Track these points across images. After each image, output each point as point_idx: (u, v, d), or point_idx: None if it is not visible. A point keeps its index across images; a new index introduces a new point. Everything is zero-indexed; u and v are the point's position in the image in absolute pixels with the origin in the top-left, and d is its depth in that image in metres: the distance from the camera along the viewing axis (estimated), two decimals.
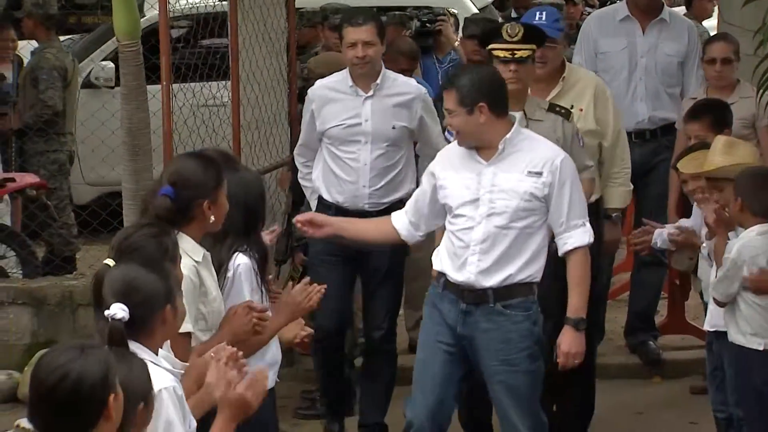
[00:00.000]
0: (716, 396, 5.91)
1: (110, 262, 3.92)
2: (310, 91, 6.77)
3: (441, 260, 5.55)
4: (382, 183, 6.57)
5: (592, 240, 5.58)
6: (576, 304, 5.54)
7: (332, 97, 6.62)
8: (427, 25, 8.48)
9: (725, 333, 5.63)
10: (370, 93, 6.59)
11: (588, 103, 6.44)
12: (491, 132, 5.44)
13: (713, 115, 6.43)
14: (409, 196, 6.40)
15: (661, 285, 8.01)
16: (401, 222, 5.63)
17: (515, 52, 5.87)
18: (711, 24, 9.73)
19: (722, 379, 5.82)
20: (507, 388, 5.49)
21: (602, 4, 10.99)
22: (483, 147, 5.47)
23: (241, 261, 4.83)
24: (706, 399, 6.23)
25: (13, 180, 8.58)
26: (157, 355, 3.82)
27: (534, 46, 5.94)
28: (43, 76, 9.07)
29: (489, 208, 5.43)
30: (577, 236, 5.53)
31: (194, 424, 3.89)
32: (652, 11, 7.71)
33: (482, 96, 5.40)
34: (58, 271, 8.76)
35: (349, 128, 6.55)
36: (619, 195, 6.63)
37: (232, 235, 4.83)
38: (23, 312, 7.81)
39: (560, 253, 5.54)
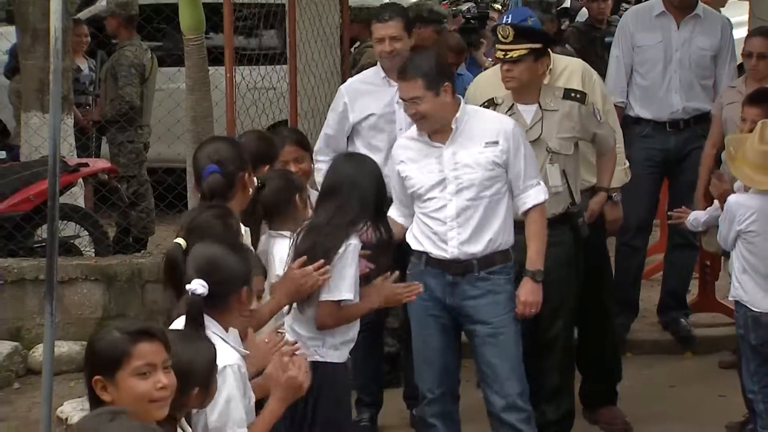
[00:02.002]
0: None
1: (180, 241, 4.08)
2: (342, 86, 6.86)
3: (419, 241, 5.66)
4: None
5: (547, 197, 5.69)
6: (533, 256, 5.66)
7: (365, 89, 6.68)
8: (471, 21, 8.71)
9: None
10: None
11: (578, 87, 6.40)
12: (451, 111, 5.55)
13: None
14: None
15: (693, 266, 8.10)
16: (402, 217, 5.73)
17: (508, 52, 5.93)
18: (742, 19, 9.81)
19: None
20: (498, 349, 5.61)
21: (638, 0, 11.04)
22: (437, 131, 5.57)
23: (354, 242, 5.01)
24: (735, 373, 6.40)
25: (86, 165, 8.77)
26: (227, 332, 3.89)
27: (530, 45, 5.92)
28: (122, 73, 9.34)
29: (457, 185, 5.55)
30: (534, 195, 5.64)
31: (253, 399, 3.97)
32: (687, 7, 7.76)
33: (445, 76, 5.54)
34: (128, 249, 8.97)
35: (384, 116, 6.61)
36: (616, 174, 6.57)
37: (353, 218, 4.96)
38: (95, 288, 8.01)
39: (519, 212, 5.65)
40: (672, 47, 7.80)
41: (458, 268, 5.63)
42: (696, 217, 6.63)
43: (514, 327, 5.66)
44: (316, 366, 4.81)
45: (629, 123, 7.74)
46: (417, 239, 5.71)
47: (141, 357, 3.23)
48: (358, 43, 9.23)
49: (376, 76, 6.71)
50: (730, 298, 6.17)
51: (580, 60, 6.80)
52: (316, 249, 4.89)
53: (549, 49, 6.09)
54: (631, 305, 7.93)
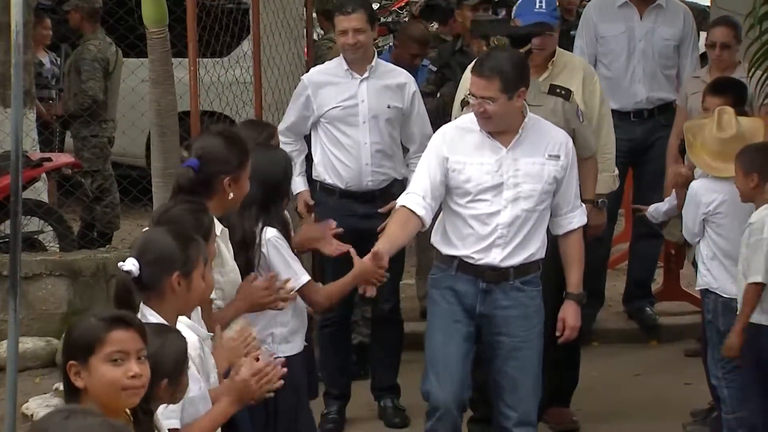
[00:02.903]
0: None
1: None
2: (304, 77, 6.82)
3: (452, 244, 5.43)
4: (382, 160, 6.62)
5: (586, 219, 5.65)
6: (576, 280, 5.56)
7: (328, 80, 6.63)
8: None
9: None
10: (366, 75, 6.61)
11: (577, 86, 6.46)
12: (518, 117, 5.39)
13: (733, 92, 6.42)
14: (401, 175, 6.58)
15: (658, 255, 8.18)
16: (423, 209, 5.40)
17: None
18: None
19: None
20: (522, 362, 5.45)
21: None
22: (501, 131, 5.39)
23: (270, 234, 4.99)
24: (700, 361, 6.42)
25: (49, 160, 8.72)
26: (175, 323, 3.79)
27: (527, 46, 5.96)
28: (86, 67, 9.30)
29: (515, 192, 5.36)
30: (580, 216, 5.57)
31: (210, 383, 3.95)
32: None
33: (523, 81, 5.35)
34: (93, 244, 8.95)
35: (346, 109, 6.57)
36: (604, 181, 6.62)
37: (256, 208, 4.96)
38: (60, 283, 7.99)
39: (562, 231, 5.54)
40: (635, 37, 7.83)
41: (493, 276, 5.42)
42: (656, 208, 6.66)
43: (539, 342, 5.50)
44: None
45: None
46: (450, 242, 5.46)
47: (114, 343, 3.22)
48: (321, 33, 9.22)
49: (339, 68, 6.67)
50: (697, 288, 6.18)
51: (582, 59, 6.78)
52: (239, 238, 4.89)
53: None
54: (596, 295, 7.94)
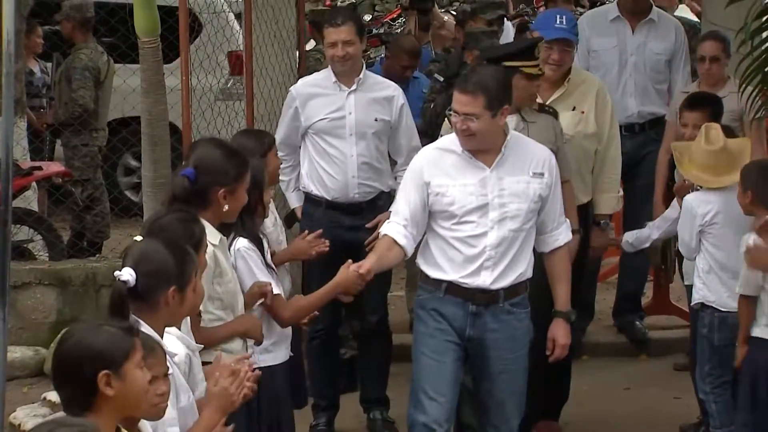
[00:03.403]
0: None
1: (139, 239, 4.03)
2: (292, 88, 6.79)
3: (440, 267, 5.33)
4: (369, 173, 6.58)
5: (571, 235, 5.59)
6: (564, 297, 5.52)
7: (316, 92, 6.61)
8: None
9: None
10: (353, 87, 6.59)
11: (590, 106, 6.49)
12: (501, 135, 5.31)
13: (710, 107, 6.55)
14: (388, 187, 6.56)
15: (648, 269, 8.17)
16: (405, 239, 5.31)
17: (540, 68, 6.01)
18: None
19: None
20: (509, 384, 5.41)
21: (592, 5, 11.05)
22: (483, 150, 5.30)
23: (240, 244, 4.97)
24: (689, 375, 6.41)
25: (40, 168, 8.73)
26: (161, 337, 3.79)
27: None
28: (76, 76, 9.28)
29: (501, 213, 5.28)
30: (565, 232, 5.52)
31: (198, 394, 3.98)
32: (641, 12, 7.86)
33: (507, 99, 5.29)
34: (82, 253, 8.94)
35: (333, 121, 6.55)
36: (608, 201, 6.64)
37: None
38: (49, 292, 7.97)
39: (548, 249, 5.48)
40: (627, 51, 7.88)
41: (484, 299, 5.33)
42: (637, 237, 6.62)
43: (525, 361, 5.46)
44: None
45: None
46: (437, 265, 5.36)
47: (140, 349, 3.30)
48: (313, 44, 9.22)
49: (327, 80, 6.65)
50: (693, 303, 6.18)
51: (597, 78, 6.78)
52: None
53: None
54: (586, 308, 7.95)
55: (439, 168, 5.33)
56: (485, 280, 5.31)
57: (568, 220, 5.59)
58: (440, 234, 5.35)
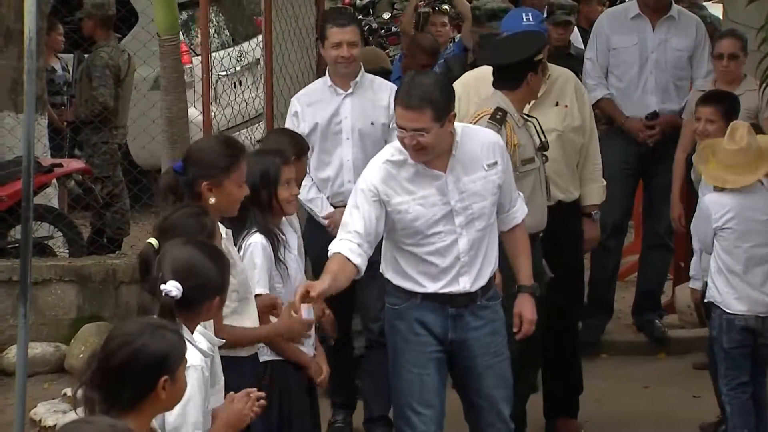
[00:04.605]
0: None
1: (153, 240, 4.07)
2: (294, 98, 6.68)
3: (415, 281, 5.19)
4: None
5: (526, 208, 5.46)
6: (527, 271, 5.42)
7: (314, 99, 6.51)
8: None
9: None
10: (350, 91, 6.49)
11: (571, 98, 6.44)
12: (450, 139, 5.13)
13: (725, 104, 6.53)
14: None
15: (668, 267, 8.15)
16: (359, 257, 5.05)
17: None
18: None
19: None
20: (498, 378, 5.32)
21: (612, 3, 11.01)
22: (435, 157, 5.12)
23: (253, 240, 4.98)
24: (708, 374, 6.40)
25: (60, 165, 8.76)
26: (192, 334, 3.87)
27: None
28: (96, 74, 9.28)
29: (466, 216, 5.15)
30: (521, 207, 5.40)
31: (212, 405, 4.00)
32: (661, 9, 7.81)
33: (452, 104, 5.12)
34: (102, 250, 8.96)
35: (329, 126, 6.46)
36: (596, 191, 6.59)
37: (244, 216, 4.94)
38: (69, 289, 7.98)
39: (507, 228, 5.36)
40: (648, 49, 7.84)
41: (463, 301, 5.22)
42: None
43: (506, 350, 5.36)
44: (265, 364, 4.99)
45: (604, 124, 7.76)
46: (411, 278, 5.21)
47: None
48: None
49: (323, 86, 6.57)
50: (705, 300, 6.18)
51: (567, 70, 6.75)
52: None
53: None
54: (605, 306, 7.96)
55: (395, 183, 5.14)
56: (465, 285, 5.20)
57: (521, 193, 5.47)
58: (408, 250, 5.20)
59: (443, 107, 5.03)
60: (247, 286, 4.81)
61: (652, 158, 7.79)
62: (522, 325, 5.44)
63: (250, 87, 9.04)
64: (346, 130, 6.48)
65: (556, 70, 6.51)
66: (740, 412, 5.97)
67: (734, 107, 6.60)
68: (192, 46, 10.24)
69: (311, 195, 6.51)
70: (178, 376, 3.31)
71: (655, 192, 7.83)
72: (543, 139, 5.95)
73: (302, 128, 6.45)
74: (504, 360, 5.35)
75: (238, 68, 10.30)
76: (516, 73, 5.81)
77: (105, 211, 9.43)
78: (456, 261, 5.17)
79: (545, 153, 6.01)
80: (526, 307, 5.43)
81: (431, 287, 5.20)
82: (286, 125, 6.59)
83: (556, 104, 6.44)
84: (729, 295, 5.97)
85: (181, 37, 10.42)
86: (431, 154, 5.09)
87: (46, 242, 8.58)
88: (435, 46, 8.02)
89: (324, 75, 6.69)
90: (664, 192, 7.59)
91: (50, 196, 8.97)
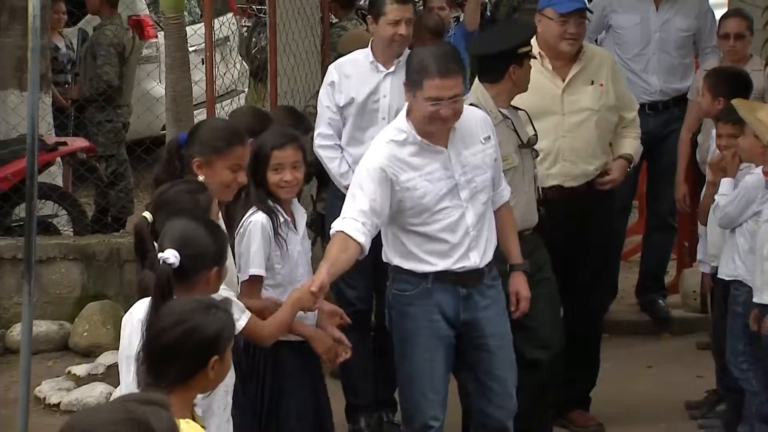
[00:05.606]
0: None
1: (147, 214, 4.08)
2: (332, 66, 6.48)
3: (425, 261, 5.17)
4: None
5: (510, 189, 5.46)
6: (517, 249, 5.43)
7: (353, 71, 6.30)
8: None
9: None
10: (392, 69, 6.28)
11: (607, 78, 6.36)
12: None
13: (738, 82, 6.43)
14: None
15: (671, 247, 8.15)
16: (363, 236, 5.01)
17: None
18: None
19: None
20: (508, 360, 5.33)
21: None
22: (433, 134, 5.12)
23: (253, 218, 4.94)
24: (711, 355, 6.42)
25: (65, 144, 8.77)
26: None
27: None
28: (102, 52, 9.32)
29: (471, 190, 5.16)
30: (507, 187, 5.44)
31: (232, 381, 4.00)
32: None
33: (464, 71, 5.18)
34: (107, 229, 8.97)
35: (366, 103, 6.27)
36: (632, 145, 6.45)
37: (246, 194, 4.93)
38: (74, 267, 8.00)
39: (496, 207, 5.34)
40: (651, 28, 7.81)
41: (472, 279, 5.21)
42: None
43: (510, 331, 5.36)
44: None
45: None
46: (420, 259, 5.18)
47: None
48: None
49: (365, 60, 6.34)
50: (726, 277, 6.02)
51: (604, 50, 6.64)
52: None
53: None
54: (609, 286, 7.93)
55: (401, 162, 5.12)
56: (475, 260, 5.19)
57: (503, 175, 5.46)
58: (415, 230, 5.18)
59: (464, 73, 5.15)
60: (233, 271, 4.71)
61: (657, 137, 7.75)
62: (519, 303, 5.45)
63: (218, 64, 8.98)
64: (383, 110, 6.28)
65: (591, 49, 6.46)
66: (766, 385, 5.86)
67: (747, 84, 6.49)
68: (159, 21, 10.21)
69: (343, 168, 6.31)
70: (226, 355, 3.36)
71: (660, 171, 7.82)
72: (532, 133, 5.84)
73: (337, 99, 6.31)
74: (510, 340, 5.35)
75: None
76: (496, 65, 5.71)
77: (109, 190, 9.45)
78: (465, 235, 5.17)
79: (535, 147, 5.86)
80: (522, 285, 5.44)
81: (442, 264, 5.18)
82: (320, 95, 6.43)
83: (591, 83, 6.34)
84: (755, 276, 5.83)
85: (147, 11, 10.52)
86: (451, 124, 5.12)
87: (50, 220, 8.60)
88: (440, 25, 7.95)
89: (328, 54, 6.66)
90: (668, 171, 7.58)
91: (54, 175, 8.99)
